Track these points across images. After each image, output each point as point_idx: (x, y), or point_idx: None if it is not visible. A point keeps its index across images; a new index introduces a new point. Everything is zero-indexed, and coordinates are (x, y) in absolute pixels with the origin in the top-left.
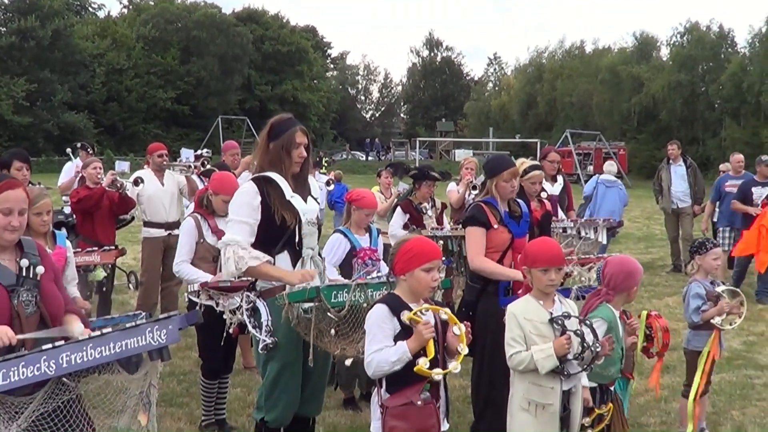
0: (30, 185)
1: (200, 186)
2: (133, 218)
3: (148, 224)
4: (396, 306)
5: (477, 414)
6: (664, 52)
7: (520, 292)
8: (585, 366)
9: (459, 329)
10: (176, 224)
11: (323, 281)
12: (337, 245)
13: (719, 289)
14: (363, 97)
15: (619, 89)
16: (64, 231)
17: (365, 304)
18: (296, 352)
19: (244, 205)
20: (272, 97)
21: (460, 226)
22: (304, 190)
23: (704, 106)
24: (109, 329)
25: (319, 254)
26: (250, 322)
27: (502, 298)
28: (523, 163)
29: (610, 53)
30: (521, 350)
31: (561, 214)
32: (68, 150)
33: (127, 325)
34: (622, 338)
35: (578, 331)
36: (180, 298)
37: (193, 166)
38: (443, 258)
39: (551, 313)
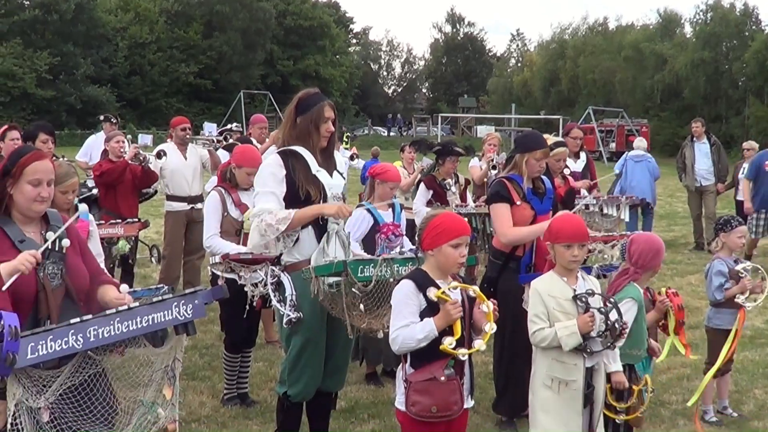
0: (54, 158)
1: (224, 160)
2: (155, 192)
3: (170, 198)
4: (422, 282)
5: (499, 390)
6: (688, 30)
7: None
8: (608, 344)
9: (487, 307)
10: (199, 198)
11: (348, 256)
12: (360, 220)
13: (739, 266)
14: (385, 73)
15: (642, 66)
16: (85, 206)
17: (391, 279)
18: (320, 326)
19: (270, 177)
20: (294, 72)
21: (484, 203)
22: (329, 165)
23: (728, 84)
24: (136, 303)
25: (344, 229)
26: (274, 296)
27: (522, 275)
28: (547, 139)
29: (634, 30)
30: (544, 327)
31: (583, 190)
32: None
33: (154, 300)
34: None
35: (602, 309)
36: (202, 272)
37: (215, 140)
38: None
39: (575, 290)
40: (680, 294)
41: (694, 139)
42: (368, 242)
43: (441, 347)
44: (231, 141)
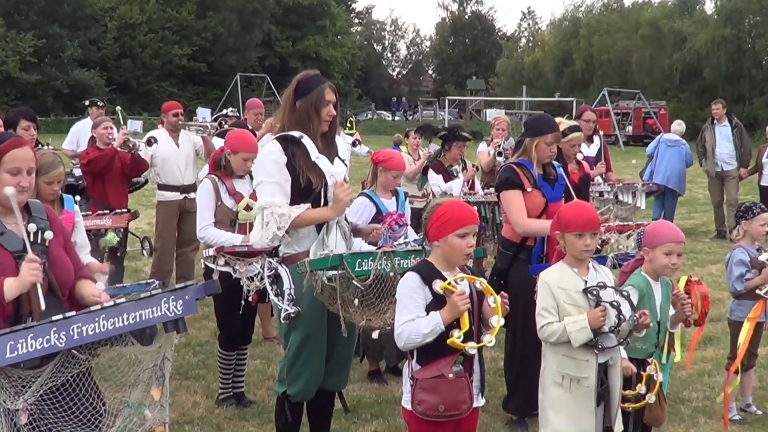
0: (39, 146)
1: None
2: (146, 181)
3: (162, 187)
4: (428, 274)
5: (509, 388)
6: (709, 6)
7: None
8: (622, 339)
9: (494, 300)
10: (192, 187)
11: (349, 248)
12: (362, 209)
13: (762, 256)
14: (389, 54)
15: (660, 45)
16: (71, 196)
17: (392, 273)
18: (320, 322)
19: (273, 165)
20: (293, 53)
21: (493, 190)
22: (331, 151)
23: (751, 63)
24: (123, 299)
25: (346, 219)
26: (272, 290)
27: (533, 266)
28: (560, 123)
29: (651, 7)
30: (553, 321)
31: (597, 177)
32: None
33: (142, 295)
34: (663, 309)
35: (614, 302)
36: (196, 266)
37: (209, 126)
38: None
39: (586, 282)
40: None
41: (715, 121)
42: None
43: (448, 341)
44: (226, 127)
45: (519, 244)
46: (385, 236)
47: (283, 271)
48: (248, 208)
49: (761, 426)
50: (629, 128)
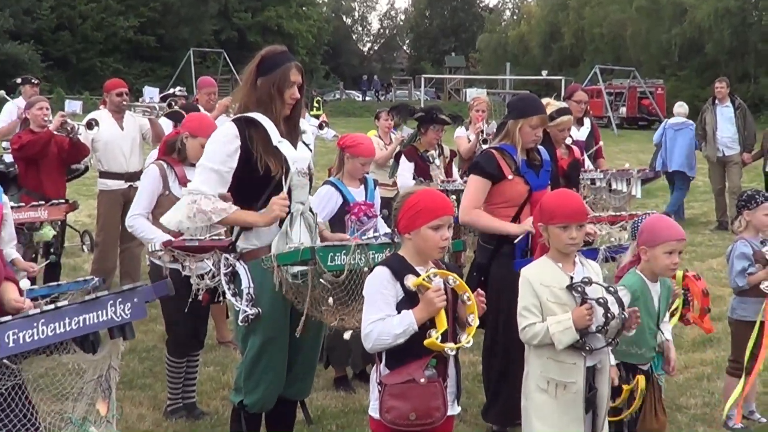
0: None
1: (167, 131)
2: (86, 168)
3: (104, 175)
4: (399, 269)
5: (489, 395)
6: None
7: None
8: (610, 340)
9: (469, 297)
10: (137, 175)
11: (315, 240)
12: (327, 199)
13: (767, 249)
14: (360, 28)
15: (658, 18)
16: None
17: (366, 268)
18: (283, 324)
19: (218, 150)
20: (253, 26)
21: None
22: (294, 136)
23: (757, 37)
24: (65, 302)
25: (311, 210)
26: (228, 289)
27: (518, 261)
28: (548, 104)
29: None
30: (536, 321)
31: (588, 163)
32: (5, 92)
33: (87, 298)
34: (663, 312)
35: (601, 299)
36: (142, 262)
37: (158, 108)
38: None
39: (572, 278)
40: None
41: (716, 101)
42: (336, 224)
43: (426, 341)
44: (176, 108)
45: (501, 237)
46: (352, 228)
47: (242, 268)
48: None
49: None
50: (623, 109)
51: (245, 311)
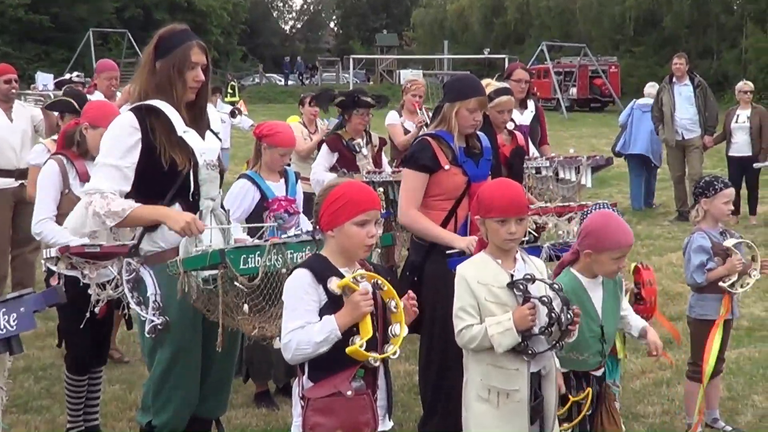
0: None
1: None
2: None
3: None
4: (322, 271)
5: (426, 407)
6: None
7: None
8: (554, 342)
9: (396, 305)
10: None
11: (228, 241)
12: (242, 194)
13: (729, 242)
14: (281, 4)
15: None
16: None
17: (284, 270)
18: (193, 334)
19: (116, 144)
20: (159, 3)
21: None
22: (200, 125)
23: (720, 9)
24: None
25: (222, 207)
26: (132, 297)
27: (453, 259)
28: (488, 85)
29: None
30: (473, 323)
31: (533, 150)
32: None
33: None
34: (609, 312)
35: (544, 298)
36: (37, 269)
37: (52, 96)
38: (383, 209)
39: (512, 275)
40: (658, 277)
41: (674, 80)
42: (254, 222)
43: (348, 349)
44: (61, 97)
45: None
46: (271, 227)
47: (146, 273)
48: None
49: None
50: (573, 90)
51: (152, 321)
